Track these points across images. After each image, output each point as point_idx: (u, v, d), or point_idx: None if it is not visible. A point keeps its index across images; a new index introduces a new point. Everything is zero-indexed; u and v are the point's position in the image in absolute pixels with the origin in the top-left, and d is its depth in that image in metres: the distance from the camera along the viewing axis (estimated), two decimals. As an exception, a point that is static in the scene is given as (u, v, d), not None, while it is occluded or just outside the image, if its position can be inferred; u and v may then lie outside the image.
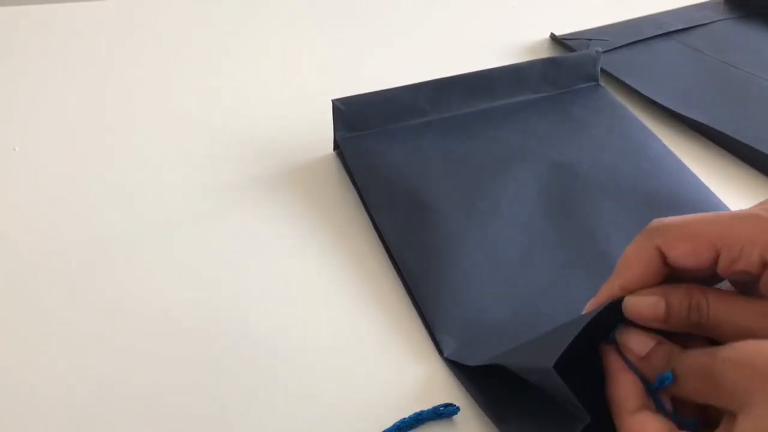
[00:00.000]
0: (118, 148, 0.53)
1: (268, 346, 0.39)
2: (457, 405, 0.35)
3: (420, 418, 0.34)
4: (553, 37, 0.69)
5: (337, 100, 0.50)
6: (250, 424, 0.35)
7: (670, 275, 0.31)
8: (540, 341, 0.34)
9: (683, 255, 0.29)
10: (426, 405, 0.35)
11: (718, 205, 0.48)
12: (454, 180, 0.47)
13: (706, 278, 0.31)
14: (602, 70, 0.63)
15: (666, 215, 0.41)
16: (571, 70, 0.57)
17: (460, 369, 0.37)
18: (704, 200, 0.48)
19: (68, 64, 0.63)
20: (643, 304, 0.30)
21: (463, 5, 0.76)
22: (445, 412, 0.35)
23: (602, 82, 0.59)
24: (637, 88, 0.60)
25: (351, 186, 0.50)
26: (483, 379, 0.36)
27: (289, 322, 0.40)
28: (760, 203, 0.30)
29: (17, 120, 0.55)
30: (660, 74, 0.63)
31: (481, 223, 0.45)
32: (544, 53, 0.67)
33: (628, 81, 0.61)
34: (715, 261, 0.29)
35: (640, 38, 0.67)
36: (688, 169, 0.51)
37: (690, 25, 0.70)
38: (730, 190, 0.50)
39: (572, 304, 0.39)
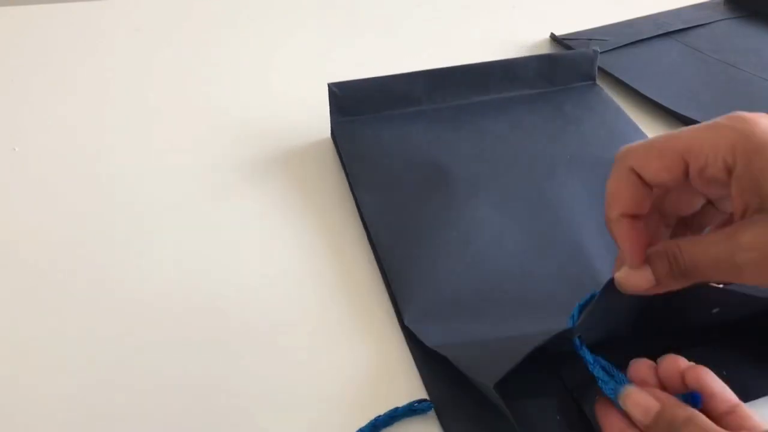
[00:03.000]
0: (117, 147, 0.53)
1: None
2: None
3: (395, 415, 0.35)
4: (553, 37, 0.69)
5: (333, 84, 0.51)
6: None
7: (657, 198, 0.32)
8: (492, 351, 0.35)
9: (656, 172, 0.30)
10: (400, 401, 0.35)
11: None
12: (435, 163, 0.49)
13: (688, 197, 0.32)
14: (602, 70, 0.63)
15: None
16: (567, 67, 0.57)
17: (421, 355, 0.38)
18: None
19: (68, 64, 0.63)
20: (636, 277, 0.30)
21: (464, 5, 0.76)
22: (419, 408, 0.35)
23: (602, 82, 0.59)
24: (637, 88, 0.60)
25: (342, 169, 0.50)
26: (439, 371, 0.36)
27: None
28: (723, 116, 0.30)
29: (17, 120, 0.55)
30: (660, 74, 0.63)
31: (456, 204, 0.46)
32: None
33: (628, 81, 0.61)
34: (687, 173, 0.30)
35: (640, 38, 0.67)
36: None
37: (690, 25, 0.70)
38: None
39: (537, 285, 0.41)
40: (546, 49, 0.68)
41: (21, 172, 0.50)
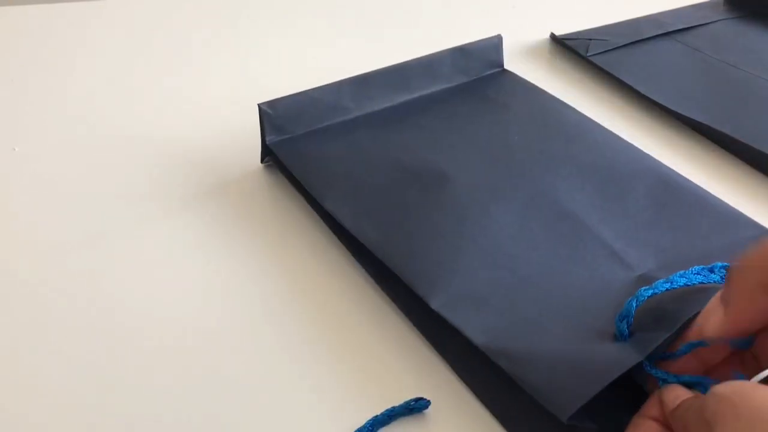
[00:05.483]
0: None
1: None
2: (428, 399, 0.35)
3: (392, 414, 0.35)
4: (553, 37, 0.69)
5: (264, 104, 0.50)
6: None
7: None
8: (555, 368, 0.34)
9: None
10: (397, 400, 0.35)
11: (644, 157, 0.50)
12: (394, 162, 0.49)
13: None
14: (602, 70, 0.63)
15: (597, 172, 0.48)
16: (477, 57, 0.59)
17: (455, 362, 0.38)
18: (634, 159, 0.50)
19: (68, 64, 0.63)
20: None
21: (463, 5, 0.76)
22: (416, 407, 0.35)
23: (602, 82, 0.59)
24: (637, 88, 0.60)
25: (287, 192, 0.49)
26: (480, 371, 0.36)
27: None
28: None
29: (17, 120, 0.55)
30: (660, 74, 0.63)
31: (435, 190, 0.46)
32: (545, 53, 0.67)
33: (628, 81, 0.61)
34: None
35: (640, 38, 0.67)
36: (608, 130, 0.53)
37: (690, 25, 0.70)
38: (730, 190, 0.50)
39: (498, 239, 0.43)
40: (546, 49, 0.68)
41: (21, 172, 0.50)
